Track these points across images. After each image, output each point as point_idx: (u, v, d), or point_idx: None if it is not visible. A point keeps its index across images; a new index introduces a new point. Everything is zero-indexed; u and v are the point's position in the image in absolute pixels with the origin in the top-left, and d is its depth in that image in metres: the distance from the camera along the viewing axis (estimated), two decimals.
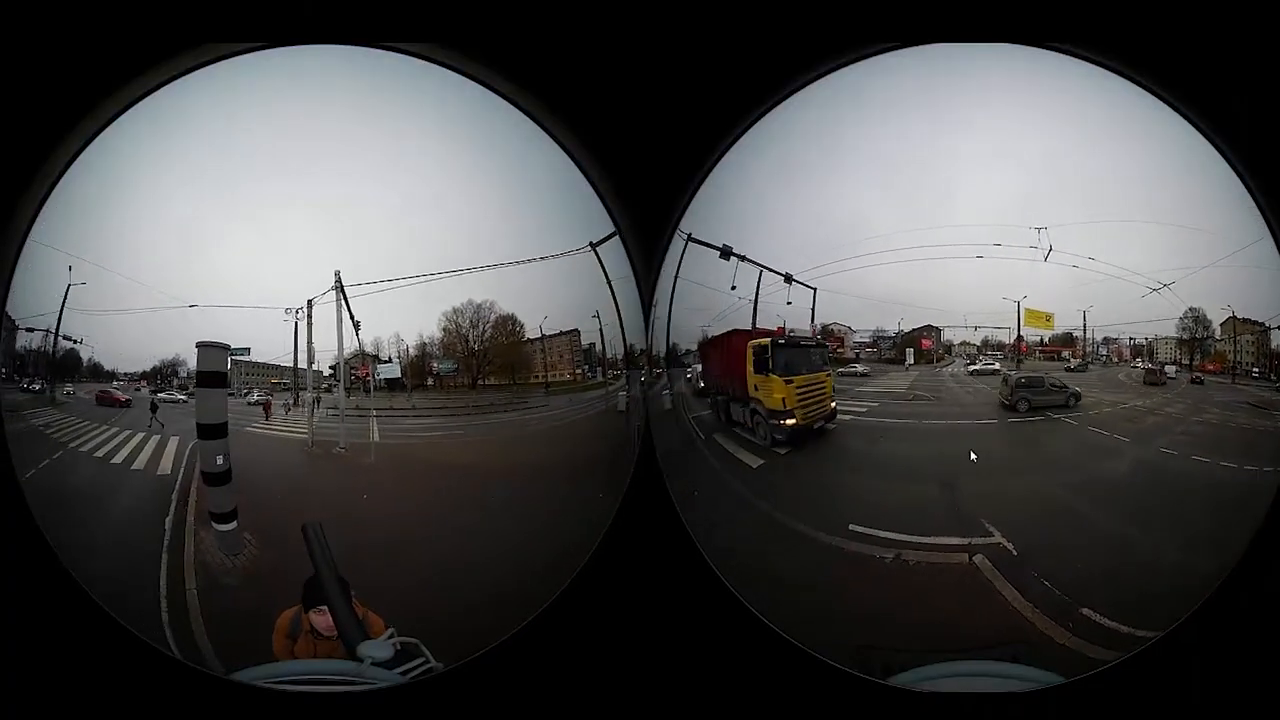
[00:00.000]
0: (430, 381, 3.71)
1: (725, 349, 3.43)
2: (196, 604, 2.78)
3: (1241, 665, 2.36)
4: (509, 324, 3.47)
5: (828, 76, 2.57)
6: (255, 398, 3.62)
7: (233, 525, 3.00)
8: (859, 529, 2.87)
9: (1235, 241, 2.66)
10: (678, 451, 3.04)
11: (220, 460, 3.05)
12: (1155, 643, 2.38)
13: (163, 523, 2.98)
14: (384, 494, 3.31)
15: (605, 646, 2.51)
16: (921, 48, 2.54)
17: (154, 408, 3.29)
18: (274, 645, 2.54)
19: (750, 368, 3.38)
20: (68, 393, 3.10)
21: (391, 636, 2.10)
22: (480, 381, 3.67)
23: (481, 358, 3.60)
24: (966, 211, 3.09)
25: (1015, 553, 2.77)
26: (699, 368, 3.50)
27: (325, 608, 2.30)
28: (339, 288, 3.17)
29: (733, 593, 2.49)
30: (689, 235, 2.82)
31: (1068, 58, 2.51)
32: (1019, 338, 3.62)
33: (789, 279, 3.23)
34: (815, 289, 3.30)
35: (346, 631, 2.14)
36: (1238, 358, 3.21)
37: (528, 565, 2.82)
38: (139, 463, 3.21)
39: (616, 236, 2.70)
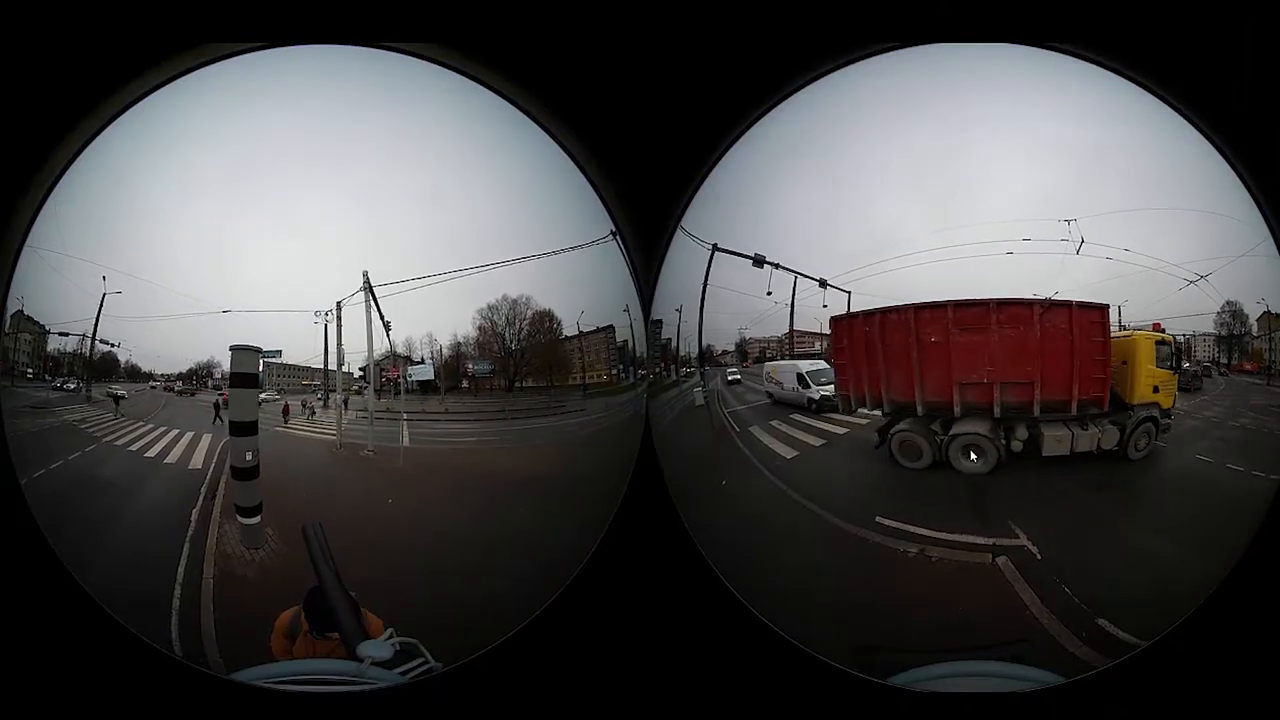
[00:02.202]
0: (465, 384, 3.57)
1: (1045, 335, 2.93)
2: (211, 591, 2.84)
3: (1244, 665, 2.36)
4: (546, 320, 3.30)
5: (828, 76, 2.57)
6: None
7: (257, 520, 3.10)
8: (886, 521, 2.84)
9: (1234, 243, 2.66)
10: (706, 447, 3.05)
11: (250, 456, 3.18)
12: (1156, 643, 2.38)
13: (188, 514, 3.08)
14: (410, 498, 3.31)
15: (605, 646, 2.50)
16: (921, 48, 2.54)
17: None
18: (272, 645, 2.53)
19: (1152, 364, 3.04)
20: (111, 394, 3.29)
21: (391, 636, 2.09)
22: (517, 384, 3.47)
23: (519, 357, 3.44)
24: (982, 209, 3.04)
25: None
26: (807, 367, 3.21)
27: (335, 634, 2.29)
28: (367, 288, 3.18)
29: (732, 592, 2.49)
30: (715, 245, 2.81)
31: (1068, 57, 2.51)
32: None
33: (824, 284, 3.16)
34: (850, 292, 3.18)
35: (346, 631, 2.13)
36: (1273, 356, 3.05)
37: (528, 565, 2.82)
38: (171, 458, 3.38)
39: (617, 236, 2.70)
